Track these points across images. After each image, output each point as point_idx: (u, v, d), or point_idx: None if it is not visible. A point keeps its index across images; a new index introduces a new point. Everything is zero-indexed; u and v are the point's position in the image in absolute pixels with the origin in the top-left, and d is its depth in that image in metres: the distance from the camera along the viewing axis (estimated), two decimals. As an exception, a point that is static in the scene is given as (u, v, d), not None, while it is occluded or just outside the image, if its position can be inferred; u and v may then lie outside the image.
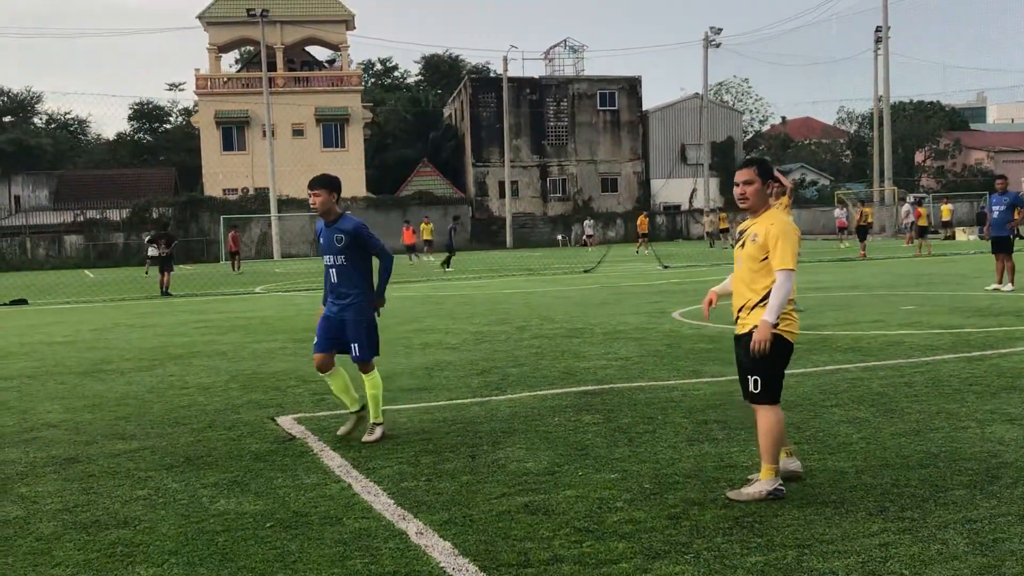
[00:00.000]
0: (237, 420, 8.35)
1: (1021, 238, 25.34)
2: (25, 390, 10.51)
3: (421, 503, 5.66)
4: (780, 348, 5.59)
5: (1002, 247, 18.41)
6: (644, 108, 75.14)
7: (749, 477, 5.83)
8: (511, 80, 69.28)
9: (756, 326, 5.55)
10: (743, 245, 5.76)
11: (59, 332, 17.00)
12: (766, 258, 5.60)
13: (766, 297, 5.58)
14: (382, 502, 5.72)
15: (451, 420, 8.02)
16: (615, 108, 73.31)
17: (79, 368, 12.10)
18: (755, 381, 5.64)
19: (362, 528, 5.25)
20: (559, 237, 68.43)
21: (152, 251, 46.25)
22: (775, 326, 5.53)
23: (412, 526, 5.24)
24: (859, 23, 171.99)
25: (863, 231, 37.81)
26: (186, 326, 17.30)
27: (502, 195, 69.08)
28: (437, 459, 6.71)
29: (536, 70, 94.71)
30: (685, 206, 73.72)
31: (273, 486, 6.17)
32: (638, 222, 49.99)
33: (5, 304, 25.12)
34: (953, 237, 49.80)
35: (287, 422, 8.20)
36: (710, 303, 6.13)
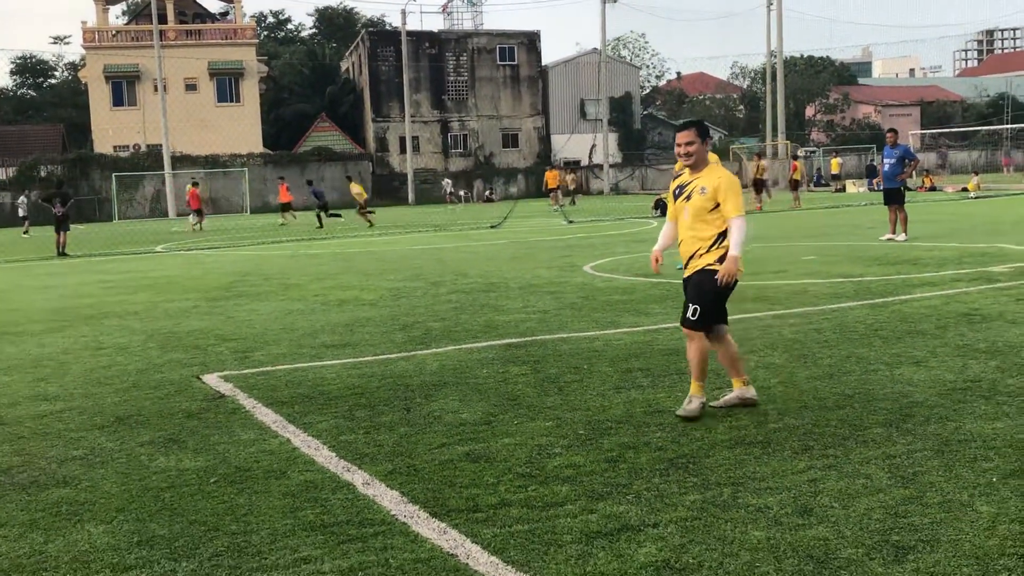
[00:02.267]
0: (162, 379, 8.29)
1: (909, 189, 26.31)
2: (-69, 354, 10.21)
3: (363, 455, 5.76)
4: (726, 285, 6.23)
5: (893, 199, 19.14)
6: (544, 63, 75.24)
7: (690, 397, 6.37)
8: (410, 34, 68.58)
9: (708, 264, 6.20)
10: (688, 198, 6.30)
11: (-45, 295, 16.45)
12: (714, 208, 6.17)
13: (715, 242, 6.21)
14: (324, 455, 5.80)
15: (380, 375, 8.10)
16: (515, 63, 73.26)
17: (-15, 331, 11.77)
18: (694, 310, 6.25)
19: (308, 480, 5.33)
20: (461, 193, 68.39)
21: (22, 211, 44.91)
22: (699, 252, 6.27)
23: (358, 477, 5.34)
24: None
25: (760, 184, 38.73)
26: (90, 286, 16.91)
27: (403, 151, 68.59)
28: (372, 413, 6.80)
29: (435, 24, 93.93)
30: (585, 161, 74.27)
31: (210, 443, 6.19)
32: (547, 177, 49.09)
33: None
34: (844, 190, 51.37)
35: (213, 380, 8.17)
36: (657, 261, 6.70)
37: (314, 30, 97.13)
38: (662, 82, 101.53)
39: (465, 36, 72.86)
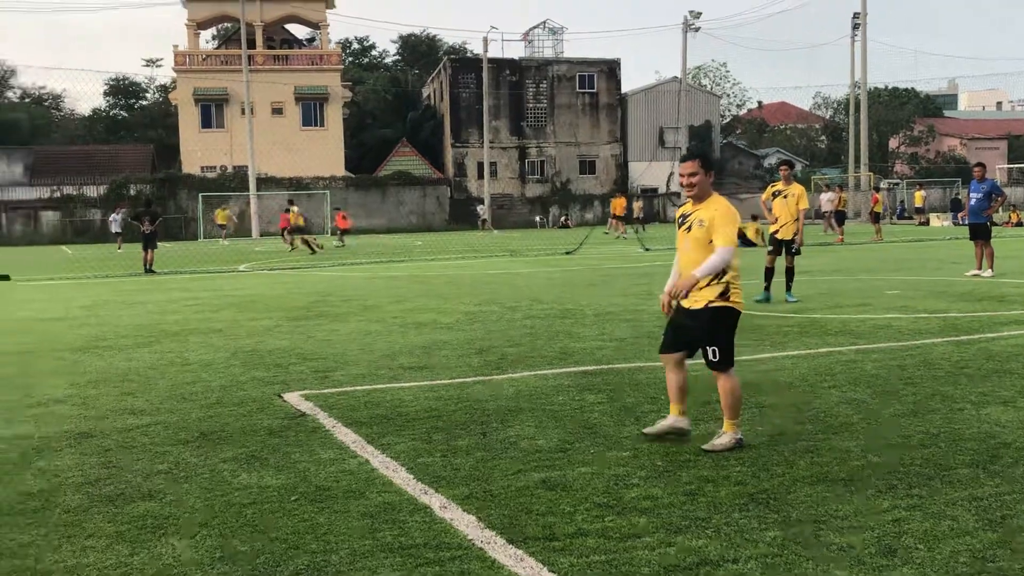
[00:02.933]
0: (244, 396, 8.45)
1: (996, 225, 25.67)
2: (25, 366, 10.55)
3: (440, 478, 5.80)
4: (730, 317, 6.29)
5: (980, 234, 18.71)
6: (623, 91, 75.27)
7: (719, 431, 6.39)
8: (491, 61, 69.16)
9: (710, 301, 6.20)
10: (689, 229, 6.36)
11: (48, 309, 16.97)
12: (712, 241, 6.20)
13: (716, 276, 6.19)
14: (402, 477, 5.85)
15: (456, 398, 8.14)
16: (594, 91, 73.43)
17: (76, 344, 12.12)
18: (714, 351, 6.27)
19: (386, 502, 5.38)
20: (537, 219, 68.53)
21: (115, 227, 46.20)
22: (698, 285, 6.20)
23: (435, 500, 5.37)
24: (837, 9, 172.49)
25: (840, 216, 38.18)
26: (176, 303, 17.32)
27: (481, 176, 69.07)
28: (449, 436, 6.84)
29: (516, 51, 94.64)
30: (662, 189, 73.97)
31: (291, 460, 6.29)
32: (613, 204, 48.38)
33: (-13, 280, 24.97)
34: (927, 223, 50.33)
35: (294, 398, 8.30)
36: (666, 305, 6.57)
37: (397, 57, 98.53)
38: (743, 111, 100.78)
39: (545, 64, 73.27)
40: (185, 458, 6.43)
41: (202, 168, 66.01)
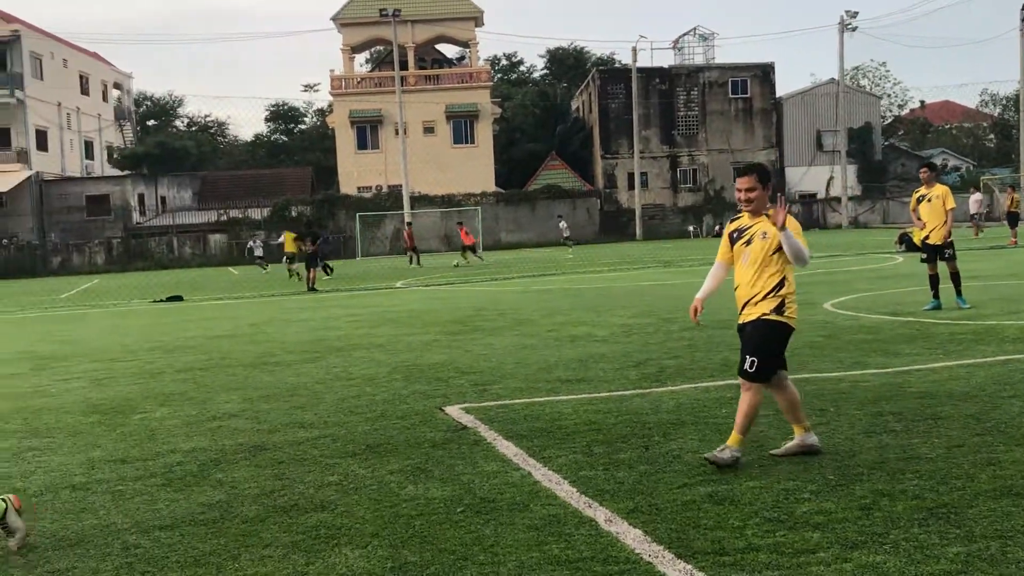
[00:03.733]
0: (407, 410, 8.61)
1: None
2: (200, 381, 11.04)
3: (604, 491, 5.75)
4: (782, 332, 6.22)
5: None
6: (777, 95, 73.69)
7: (724, 445, 6.20)
8: (640, 70, 68.83)
9: (763, 314, 6.15)
10: (748, 242, 6.25)
11: (219, 327, 17.75)
12: (776, 251, 6.12)
13: (773, 289, 6.17)
14: (565, 490, 5.83)
15: (616, 411, 8.09)
16: (747, 96, 72.13)
17: (246, 360, 12.63)
18: (752, 362, 6.14)
19: (551, 515, 5.37)
20: (690, 228, 67.71)
21: (259, 252, 47.76)
22: (755, 298, 6.21)
23: (600, 513, 5.33)
24: (1001, 2, 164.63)
25: (1014, 217, 36.31)
26: (338, 320, 17.85)
27: (631, 187, 68.77)
28: (610, 449, 6.79)
29: (665, 60, 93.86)
30: (822, 194, 71.98)
31: (455, 473, 6.36)
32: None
33: (162, 300, 26.33)
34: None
35: (455, 412, 8.41)
36: (696, 311, 6.66)
37: (545, 71, 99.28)
38: (904, 111, 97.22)
39: (696, 71, 72.44)
40: (354, 470, 6.59)
41: (358, 188, 67.94)
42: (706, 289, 6.68)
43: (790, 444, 6.37)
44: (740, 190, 6.26)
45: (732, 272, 6.49)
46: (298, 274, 32.24)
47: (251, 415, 8.78)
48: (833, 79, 71.51)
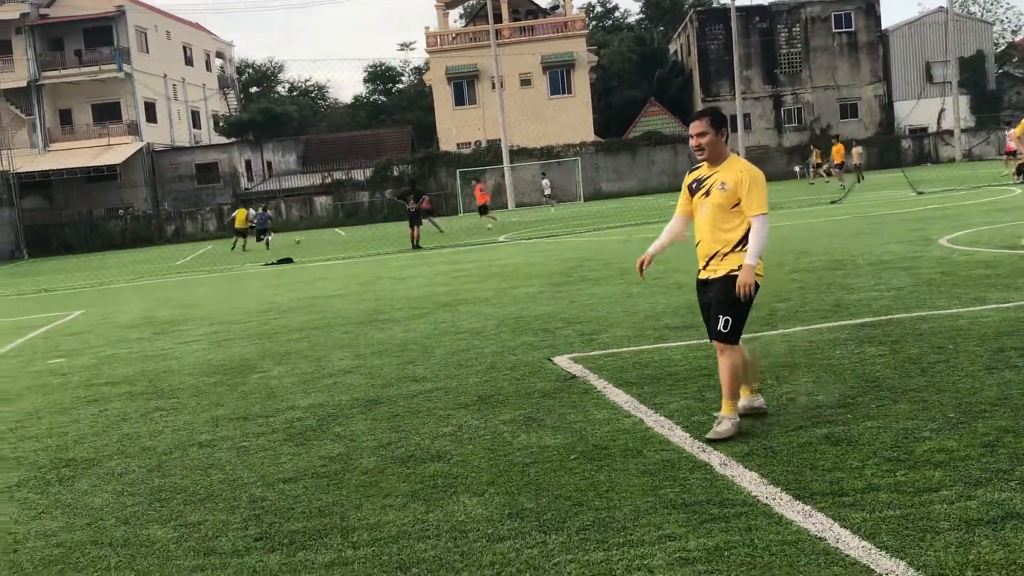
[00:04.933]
0: (516, 361, 8.68)
1: None
2: (314, 340, 11.31)
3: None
4: (752, 291, 5.77)
5: None
6: (883, 27, 71.12)
7: (715, 415, 5.94)
8: (739, 9, 67.04)
9: (732, 270, 5.74)
10: (707, 193, 5.83)
11: (329, 287, 18.13)
12: (736, 205, 5.74)
13: (739, 243, 5.75)
14: (678, 435, 5.83)
15: (726, 355, 7.99)
16: (851, 29, 69.77)
17: (357, 318, 12.88)
18: (726, 321, 5.79)
19: (664, 459, 5.38)
20: (796, 169, 66.18)
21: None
22: (720, 254, 5.82)
23: (714, 457, 5.32)
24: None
25: None
26: (443, 276, 18.04)
27: (734, 129, 67.39)
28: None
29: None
30: (933, 128, 69.46)
31: (567, 421, 6.41)
32: (833, 150, 44.21)
33: (273, 263, 26.98)
34: None
35: (564, 361, 8.44)
36: (643, 265, 6.34)
37: (641, 15, 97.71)
38: (1019, 37, 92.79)
39: (798, 6, 70.30)
40: (467, 421, 6.69)
41: (458, 145, 68.16)
42: (659, 244, 6.33)
43: (728, 419, 5.75)
44: (692, 135, 5.86)
45: (691, 226, 6.12)
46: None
47: (365, 371, 8.97)
48: (941, 7, 68.62)
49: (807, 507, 4.43)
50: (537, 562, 4.13)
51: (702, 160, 5.92)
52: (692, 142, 5.87)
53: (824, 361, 7.44)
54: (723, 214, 5.78)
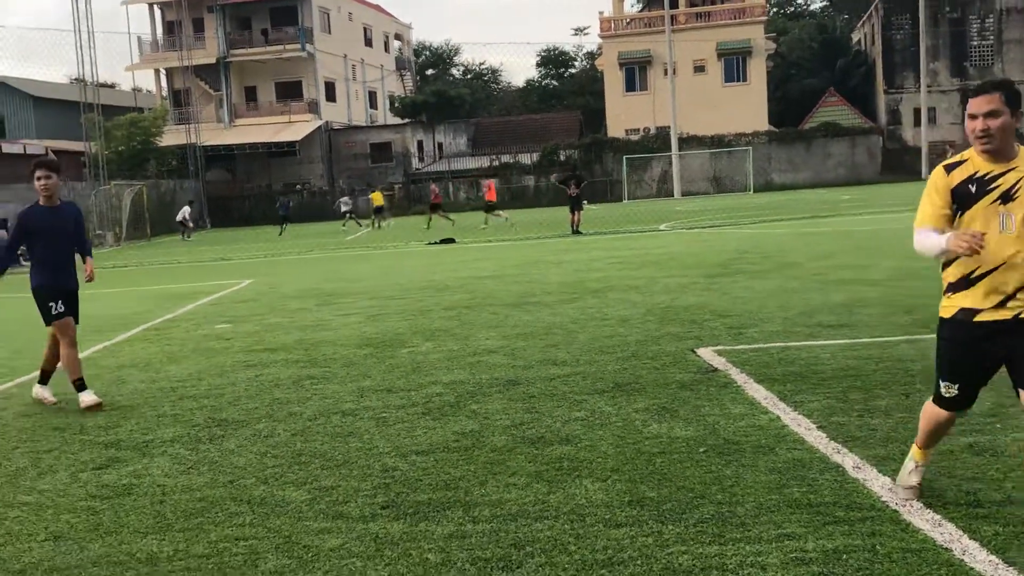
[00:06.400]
0: (658, 351, 8.63)
1: None
2: (464, 319, 11.52)
3: (855, 438, 5.56)
4: None
5: None
6: (1087, 18, 66.68)
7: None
8: (928, -2, 64.19)
9: None
10: (1007, 199, 4.07)
11: (486, 268, 18.41)
12: None
13: None
14: (814, 435, 5.69)
15: (878, 358, 7.74)
16: (1051, 21, 65.71)
17: (508, 300, 13.04)
18: None
19: (795, 459, 5.26)
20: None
21: (344, 207, 47.80)
22: None
23: (848, 460, 5.17)
24: None
25: None
26: (599, 262, 18.04)
27: (917, 123, 64.58)
28: (867, 396, 6.53)
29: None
30: None
31: (701, 414, 6.34)
32: None
33: (436, 243, 27.56)
34: None
35: (707, 354, 8.34)
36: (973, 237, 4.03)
37: (826, 2, 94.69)
38: None
39: (991, -5, 66.73)
40: (600, 407, 6.71)
41: (626, 131, 67.75)
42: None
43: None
44: (975, 116, 4.10)
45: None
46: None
47: (508, 351, 9.09)
48: None
49: (937, 516, 4.27)
50: (650, 550, 4.13)
51: (986, 150, 4.12)
52: (975, 124, 4.11)
53: (981, 368, 7.09)
54: None
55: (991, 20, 66.23)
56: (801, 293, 11.80)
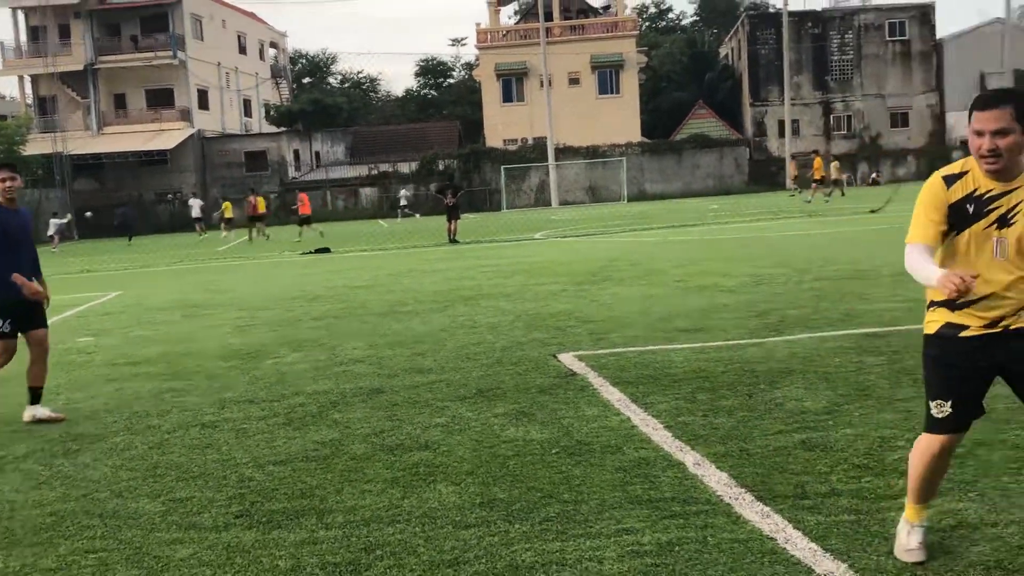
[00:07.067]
0: (522, 356, 8.82)
1: None
2: (333, 329, 11.53)
3: (698, 436, 5.83)
4: None
5: None
6: (938, 37, 70.23)
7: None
8: (792, 14, 66.60)
9: None
10: (1004, 223, 3.73)
11: (359, 277, 18.39)
12: None
13: None
14: (660, 434, 5.94)
15: (727, 360, 8.09)
16: (905, 38, 68.99)
17: (379, 309, 13.09)
18: None
19: (641, 457, 5.49)
20: (844, 177, 65.53)
21: (196, 212, 48.33)
22: None
23: (690, 457, 5.42)
24: None
25: None
26: (473, 270, 18.22)
27: (781, 135, 66.94)
28: (714, 396, 6.84)
29: (818, 2, 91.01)
30: (984, 140, 68.31)
31: (557, 417, 6.54)
32: (814, 165, 43.64)
33: (311, 252, 27.34)
34: None
35: (568, 359, 8.57)
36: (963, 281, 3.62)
37: (695, 17, 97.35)
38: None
39: (851, 13, 69.68)
40: (461, 413, 6.85)
41: (504, 141, 68.36)
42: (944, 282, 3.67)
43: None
44: (981, 133, 3.70)
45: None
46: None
47: (375, 360, 9.16)
48: (999, 19, 67.61)
49: (766, 508, 4.53)
50: (495, 549, 4.27)
51: (992, 171, 3.72)
52: (981, 143, 3.70)
53: (821, 368, 7.49)
54: None
55: (851, 36, 69.20)
56: (663, 299, 12.18)
